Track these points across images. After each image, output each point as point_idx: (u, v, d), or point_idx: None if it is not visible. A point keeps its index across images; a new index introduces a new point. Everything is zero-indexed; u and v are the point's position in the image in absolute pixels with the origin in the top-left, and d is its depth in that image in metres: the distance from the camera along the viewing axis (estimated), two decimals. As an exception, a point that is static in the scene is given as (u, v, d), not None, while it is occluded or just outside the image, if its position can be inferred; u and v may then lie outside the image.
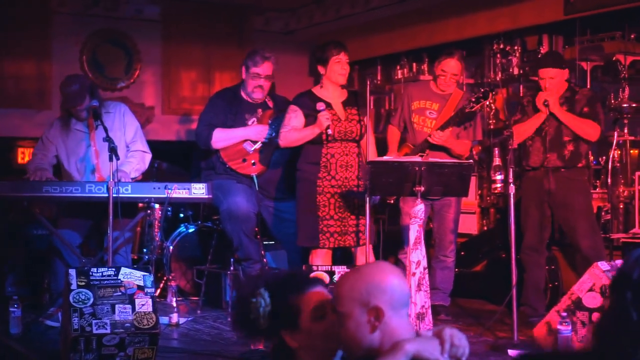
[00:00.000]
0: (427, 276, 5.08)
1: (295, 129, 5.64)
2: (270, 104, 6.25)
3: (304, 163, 5.69)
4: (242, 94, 6.23)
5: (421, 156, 5.81)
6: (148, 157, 5.97)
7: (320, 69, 5.70)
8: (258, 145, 6.12)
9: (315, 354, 2.58)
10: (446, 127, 5.85)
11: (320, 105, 5.55)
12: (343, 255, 6.10)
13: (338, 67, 5.62)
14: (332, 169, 5.59)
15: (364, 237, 5.48)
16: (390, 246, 6.25)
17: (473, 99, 5.80)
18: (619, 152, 6.74)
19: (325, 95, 5.69)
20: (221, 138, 6.07)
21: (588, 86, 6.89)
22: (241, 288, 2.71)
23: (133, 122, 5.95)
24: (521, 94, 7.35)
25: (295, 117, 5.67)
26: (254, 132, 6.11)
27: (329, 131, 5.49)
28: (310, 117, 5.62)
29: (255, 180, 6.07)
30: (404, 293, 2.37)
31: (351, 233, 5.58)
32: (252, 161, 6.12)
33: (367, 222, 5.30)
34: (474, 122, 6.06)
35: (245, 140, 6.11)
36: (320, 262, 5.49)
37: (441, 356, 2.29)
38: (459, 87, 6.32)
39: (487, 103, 6.36)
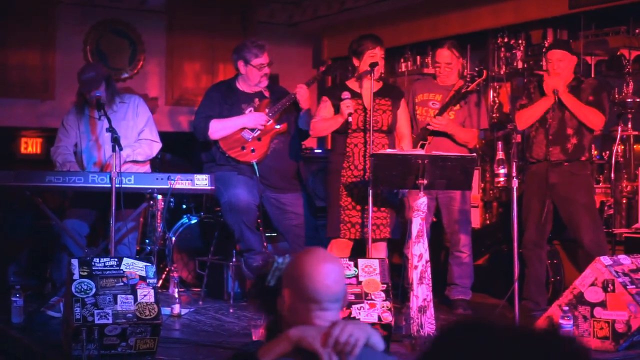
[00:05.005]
0: (429, 269, 5.07)
1: (323, 119, 5.65)
2: (267, 93, 6.25)
3: (333, 154, 5.73)
4: (238, 85, 6.22)
5: (422, 145, 5.82)
6: (157, 145, 6.01)
7: (355, 61, 5.67)
8: (256, 133, 6.11)
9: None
10: (444, 111, 5.86)
11: (345, 94, 5.52)
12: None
13: (372, 61, 5.57)
14: (355, 158, 5.57)
15: (385, 230, 5.51)
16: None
17: (468, 79, 5.81)
18: (623, 147, 6.72)
19: (358, 87, 5.66)
20: (218, 128, 6.06)
21: (592, 80, 6.88)
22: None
23: (145, 113, 6.03)
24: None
25: (324, 108, 5.67)
26: (251, 119, 6.11)
27: (349, 119, 5.48)
28: (338, 107, 5.62)
29: (256, 168, 6.06)
30: (314, 288, 2.31)
31: (371, 225, 5.53)
32: (252, 148, 6.11)
33: (370, 215, 5.29)
34: (479, 111, 6.06)
35: (243, 129, 6.12)
36: (336, 253, 5.47)
37: (321, 348, 2.27)
38: (461, 78, 6.31)
39: (482, 81, 6.33)
